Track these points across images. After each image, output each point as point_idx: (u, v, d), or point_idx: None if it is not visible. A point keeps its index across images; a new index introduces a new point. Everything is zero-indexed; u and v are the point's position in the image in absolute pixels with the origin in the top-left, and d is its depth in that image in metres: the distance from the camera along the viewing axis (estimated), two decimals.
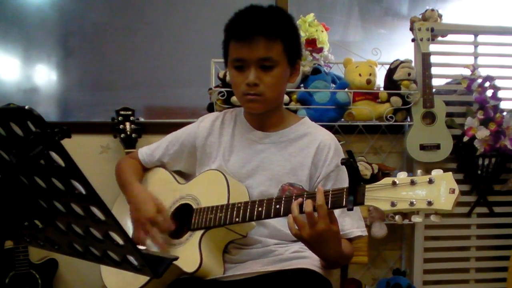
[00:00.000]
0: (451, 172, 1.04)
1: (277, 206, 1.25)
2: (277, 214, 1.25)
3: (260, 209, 1.27)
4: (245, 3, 1.42)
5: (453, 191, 1.01)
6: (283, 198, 1.25)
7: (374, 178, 2.24)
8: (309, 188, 1.42)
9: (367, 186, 1.11)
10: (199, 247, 1.33)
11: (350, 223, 1.36)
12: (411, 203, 1.04)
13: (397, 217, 1.11)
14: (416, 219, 1.08)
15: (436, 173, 1.05)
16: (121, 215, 1.58)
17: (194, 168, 1.57)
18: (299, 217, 1.16)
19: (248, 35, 1.35)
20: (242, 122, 1.53)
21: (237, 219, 1.30)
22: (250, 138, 1.49)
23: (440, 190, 1.02)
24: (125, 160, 1.70)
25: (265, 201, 1.28)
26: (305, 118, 1.54)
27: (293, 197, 1.23)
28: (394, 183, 1.07)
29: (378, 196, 1.08)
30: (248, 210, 1.29)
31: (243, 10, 1.40)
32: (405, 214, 2.25)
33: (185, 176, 1.62)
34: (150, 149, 1.64)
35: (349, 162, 1.10)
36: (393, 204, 1.06)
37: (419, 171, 1.08)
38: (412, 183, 1.05)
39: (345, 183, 1.33)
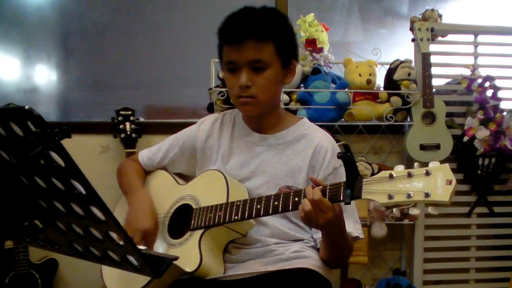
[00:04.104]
0: (447, 164, 1.05)
1: (276, 203, 1.26)
2: (275, 211, 1.26)
3: (258, 206, 1.28)
4: (244, 3, 1.41)
5: (450, 182, 1.01)
6: (282, 195, 1.26)
7: None
8: None
9: (364, 179, 1.11)
10: (199, 246, 1.34)
11: (347, 225, 1.36)
12: (408, 195, 1.04)
13: (394, 209, 1.11)
14: (413, 211, 1.08)
15: (433, 165, 1.05)
16: (123, 215, 1.58)
17: (194, 170, 1.57)
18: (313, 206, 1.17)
19: (237, 38, 1.35)
20: (240, 124, 1.53)
21: (236, 217, 1.31)
22: (248, 140, 1.49)
23: (437, 182, 1.02)
24: (126, 163, 1.69)
25: (263, 198, 1.29)
26: (303, 119, 1.54)
27: (291, 194, 1.24)
28: (391, 176, 1.07)
29: (375, 189, 1.08)
30: (247, 208, 1.30)
31: (234, 13, 1.40)
32: (405, 214, 2.25)
33: (186, 178, 1.62)
34: (150, 152, 1.64)
35: (346, 156, 1.10)
36: (390, 197, 1.06)
37: (416, 164, 1.08)
38: (409, 175, 1.05)
39: None
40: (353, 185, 1.12)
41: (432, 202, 1.03)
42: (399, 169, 1.08)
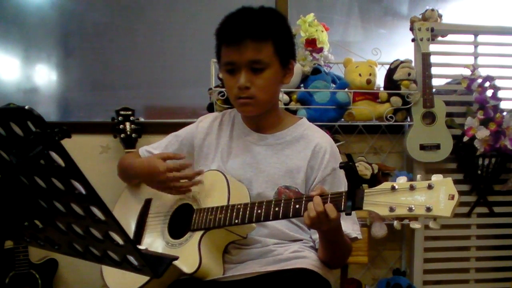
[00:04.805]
0: (451, 178, 1.03)
1: (276, 209, 1.25)
2: (276, 217, 1.26)
3: (259, 211, 1.27)
4: (244, 3, 1.41)
5: (452, 197, 1.00)
6: (282, 201, 1.25)
7: (374, 178, 2.24)
8: (304, 191, 1.42)
9: (366, 190, 1.10)
10: (199, 248, 1.33)
11: (345, 226, 1.36)
12: (410, 209, 1.03)
13: (395, 222, 1.10)
14: (414, 225, 1.07)
15: (435, 178, 1.04)
16: (122, 215, 1.58)
17: (193, 169, 1.57)
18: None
19: (236, 38, 1.35)
20: (239, 124, 1.53)
21: (236, 221, 1.31)
22: (247, 140, 1.49)
23: (440, 196, 1.01)
24: (126, 155, 1.72)
25: (264, 203, 1.28)
26: (302, 119, 1.54)
27: (292, 200, 1.24)
28: (393, 188, 1.07)
29: (377, 201, 1.08)
30: (248, 212, 1.29)
31: (232, 13, 1.40)
32: (403, 219, 2.25)
33: None
34: (151, 147, 1.65)
35: (348, 166, 1.10)
36: (391, 210, 1.05)
37: (418, 176, 1.07)
38: (411, 188, 1.04)
39: (341, 187, 1.35)
40: (354, 195, 1.12)
41: (433, 216, 1.02)
42: (402, 181, 1.07)
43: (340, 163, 1.12)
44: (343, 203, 1.14)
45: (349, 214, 1.13)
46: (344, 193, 1.15)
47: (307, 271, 1.28)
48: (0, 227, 0.89)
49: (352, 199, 1.11)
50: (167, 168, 1.43)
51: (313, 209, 1.16)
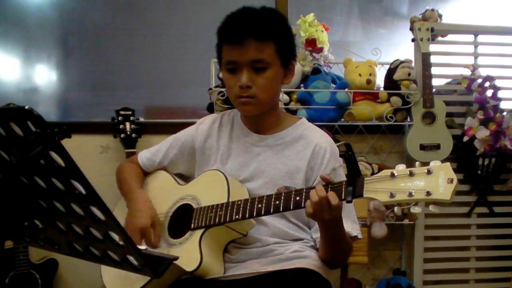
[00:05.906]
0: (449, 163, 1.05)
1: (277, 202, 1.26)
2: (276, 210, 1.26)
3: (259, 205, 1.28)
4: (245, 3, 1.42)
5: (451, 181, 1.02)
6: (283, 194, 1.25)
7: None
8: None
9: (365, 178, 1.12)
10: (199, 246, 1.34)
11: (346, 225, 1.36)
12: (410, 194, 1.04)
13: (396, 208, 1.12)
14: (415, 209, 1.09)
15: (434, 163, 1.06)
16: (123, 216, 1.58)
17: (194, 171, 1.57)
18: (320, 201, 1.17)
19: (239, 37, 1.35)
20: (239, 125, 1.53)
21: (237, 217, 1.31)
22: (247, 141, 1.49)
23: (439, 180, 1.03)
24: (125, 165, 1.69)
25: (264, 197, 1.29)
26: (302, 119, 1.54)
27: (292, 193, 1.24)
28: (392, 175, 1.08)
29: (377, 187, 1.09)
30: (248, 207, 1.30)
31: (234, 13, 1.40)
32: (406, 214, 2.25)
33: (187, 178, 1.62)
34: (150, 153, 1.64)
35: (348, 155, 1.11)
36: (392, 195, 1.07)
37: (417, 163, 1.08)
38: (411, 174, 1.06)
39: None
40: (354, 183, 1.12)
41: (433, 200, 1.03)
42: (401, 168, 1.09)
43: (340, 151, 1.13)
44: (343, 191, 1.15)
45: (350, 201, 1.13)
46: (344, 182, 1.15)
47: (307, 271, 1.28)
48: (0, 227, 0.89)
49: (353, 187, 1.12)
50: (143, 228, 1.43)
51: (315, 194, 1.17)
